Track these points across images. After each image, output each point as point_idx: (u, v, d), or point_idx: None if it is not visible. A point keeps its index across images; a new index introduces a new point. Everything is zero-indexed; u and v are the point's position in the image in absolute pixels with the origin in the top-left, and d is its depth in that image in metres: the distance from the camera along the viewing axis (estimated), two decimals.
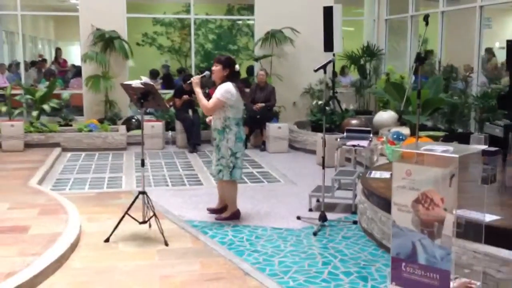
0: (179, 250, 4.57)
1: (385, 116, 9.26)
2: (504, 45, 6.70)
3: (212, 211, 5.63)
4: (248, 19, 14.08)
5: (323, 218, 5.21)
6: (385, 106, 10.13)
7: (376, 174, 5.45)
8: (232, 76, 5.21)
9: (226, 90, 5.11)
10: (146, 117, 10.02)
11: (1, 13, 12.87)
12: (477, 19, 8.53)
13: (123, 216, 4.80)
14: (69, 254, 4.34)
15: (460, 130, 8.36)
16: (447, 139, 7.47)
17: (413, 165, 3.36)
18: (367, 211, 4.95)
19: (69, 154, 8.85)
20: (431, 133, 7.84)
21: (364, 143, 6.62)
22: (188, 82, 5.39)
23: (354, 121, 8.88)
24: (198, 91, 5.21)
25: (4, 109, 9.53)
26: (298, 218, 5.44)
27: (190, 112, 9.47)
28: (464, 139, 7.61)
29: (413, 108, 7.72)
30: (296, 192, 6.58)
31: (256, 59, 10.91)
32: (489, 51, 11.11)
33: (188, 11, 12.21)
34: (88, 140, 9.21)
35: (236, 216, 5.46)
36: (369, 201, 4.94)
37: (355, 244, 4.80)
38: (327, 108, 9.29)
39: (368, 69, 11.32)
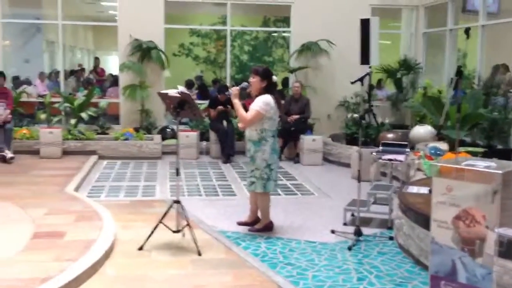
0: (212, 261, 4.55)
1: (421, 130, 9.08)
2: None
3: (242, 224, 5.57)
4: (284, 31, 14.11)
5: (358, 232, 5.12)
6: (421, 120, 9.96)
7: (413, 189, 5.33)
8: (269, 87, 5.16)
9: (265, 102, 5.06)
10: (181, 127, 10.04)
11: (43, 22, 13.24)
12: None
13: (157, 225, 4.81)
14: (103, 261, 4.36)
15: (499, 147, 8.14)
16: (486, 155, 7.29)
17: (454, 180, 3.28)
18: (404, 227, 4.85)
19: (105, 162, 8.97)
20: (470, 149, 7.65)
21: (401, 157, 6.51)
22: (227, 93, 5.38)
23: (390, 135, 8.75)
24: (236, 102, 5.16)
25: (43, 116, 9.73)
26: (332, 232, 5.35)
27: (225, 122, 9.51)
28: (504, 155, 7.44)
29: (452, 123, 7.56)
30: (330, 205, 6.51)
31: (291, 71, 10.90)
32: None
33: (224, 23, 12.31)
34: (124, 149, 9.33)
35: (269, 228, 5.42)
36: (406, 216, 4.83)
37: (391, 260, 4.69)
38: (362, 121, 9.17)
39: (404, 82, 11.16)
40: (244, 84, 5.33)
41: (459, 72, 5.23)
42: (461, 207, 3.23)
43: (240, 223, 5.59)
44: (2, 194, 6.22)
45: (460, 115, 5.19)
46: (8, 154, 8.27)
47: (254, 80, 5.16)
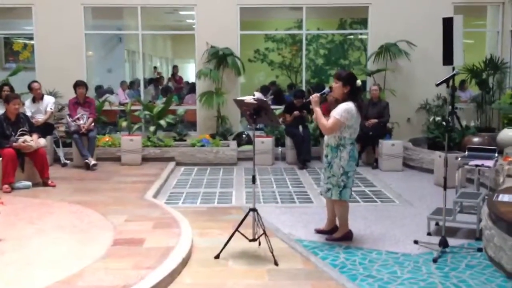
0: (290, 271, 4.43)
1: (510, 134, 8.54)
2: None
3: (320, 232, 5.45)
4: (361, 33, 13.80)
5: (443, 243, 4.83)
6: (510, 123, 9.36)
7: (504, 197, 4.97)
8: (353, 93, 4.95)
9: (346, 110, 4.87)
10: (257, 133, 10.07)
11: (124, 33, 13.71)
12: None
13: (233, 233, 4.77)
14: (180, 269, 4.36)
15: None
16: None
17: None
18: (495, 238, 4.51)
19: (182, 168, 9.09)
20: None
21: (489, 163, 6.11)
22: (307, 100, 5.24)
23: (476, 139, 8.27)
24: (317, 110, 5.02)
25: (124, 124, 10.03)
26: (416, 242, 5.09)
27: (301, 128, 9.39)
28: None
29: None
30: (413, 213, 6.21)
31: (369, 74, 10.61)
32: None
33: (299, 27, 12.20)
34: (200, 155, 9.42)
35: (348, 237, 5.23)
36: (497, 227, 4.50)
37: (481, 273, 4.38)
38: (448, 124, 8.75)
39: (490, 83, 10.57)
40: (326, 90, 5.18)
41: None
42: None
43: (318, 231, 5.47)
44: (86, 201, 6.42)
45: None
46: (92, 161, 8.56)
47: (337, 85, 4.97)
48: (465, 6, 10.74)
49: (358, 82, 4.98)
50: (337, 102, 5.02)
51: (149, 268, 4.19)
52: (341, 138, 4.94)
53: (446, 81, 4.75)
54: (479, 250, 4.88)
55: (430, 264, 4.58)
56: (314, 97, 5.04)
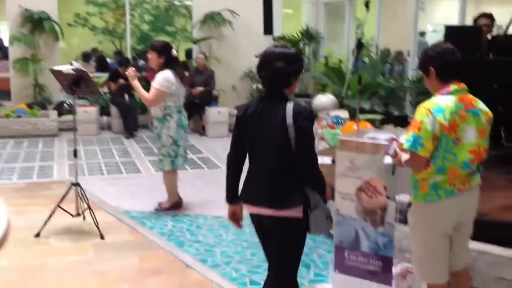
0: (116, 244, 4.37)
1: (324, 99, 9.27)
2: (437, 28, 6.81)
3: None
4: (186, 0, 13.74)
5: None
6: (323, 89, 10.15)
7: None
8: (169, 62, 4.94)
9: (164, 78, 4.85)
10: (79, 102, 9.57)
11: None
12: (414, 2, 8.62)
13: (55, 209, 4.54)
14: None
15: (396, 113, 8.49)
16: (384, 122, 7.58)
17: (356, 153, 3.31)
18: None
19: None
20: (369, 116, 7.91)
21: None
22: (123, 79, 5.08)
23: None
24: (136, 84, 4.94)
25: None
26: None
27: (126, 96, 9.15)
28: (400, 121, 7.78)
29: (352, 92, 7.76)
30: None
31: (195, 42, 10.66)
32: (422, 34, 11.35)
33: None
34: (16, 127, 8.72)
35: (177, 206, 5.29)
36: None
37: None
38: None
39: (307, 52, 11.29)
40: (141, 62, 5.11)
41: (360, 44, 5.33)
42: (363, 179, 3.28)
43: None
44: None
45: (361, 86, 5.30)
46: None
47: (152, 56, 4.96)
48: None
49: (174, 51, 5.02)
50: (155, 72, 4.99)
51: None
52: (166, 107, 4.94)
53: None
54: None
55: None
56: (130, 71, 4.96)
